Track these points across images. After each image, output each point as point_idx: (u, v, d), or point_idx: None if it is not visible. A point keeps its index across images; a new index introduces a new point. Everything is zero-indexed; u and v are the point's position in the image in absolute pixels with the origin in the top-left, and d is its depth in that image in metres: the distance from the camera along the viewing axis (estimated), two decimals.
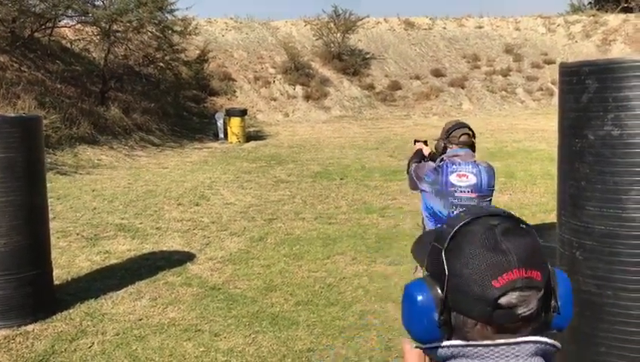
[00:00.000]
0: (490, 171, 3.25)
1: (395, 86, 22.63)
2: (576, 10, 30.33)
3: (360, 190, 9.56)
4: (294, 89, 20.97)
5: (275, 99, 20.41)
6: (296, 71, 21.24)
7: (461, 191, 3.16)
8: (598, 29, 26.33)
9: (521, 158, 12.41)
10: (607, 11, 28.16)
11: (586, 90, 2.39)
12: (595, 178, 2.40)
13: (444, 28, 26.10)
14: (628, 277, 2.37)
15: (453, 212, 3.14)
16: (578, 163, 2.47)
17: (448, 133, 3.31)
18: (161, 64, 16.28)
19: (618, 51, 24.13)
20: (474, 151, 3.31)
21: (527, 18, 27.01)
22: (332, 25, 22.56)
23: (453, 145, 3.28)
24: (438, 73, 23.57)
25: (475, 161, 3.25)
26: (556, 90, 5.13)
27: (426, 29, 25.83)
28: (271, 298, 5.09)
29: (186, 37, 16.49)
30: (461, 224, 1.02)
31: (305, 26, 23.88)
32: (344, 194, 9.28)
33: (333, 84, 21.82)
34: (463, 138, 3.25)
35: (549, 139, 13.67)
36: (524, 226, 1.02)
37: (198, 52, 18.49)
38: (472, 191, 3.15)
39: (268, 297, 5.11)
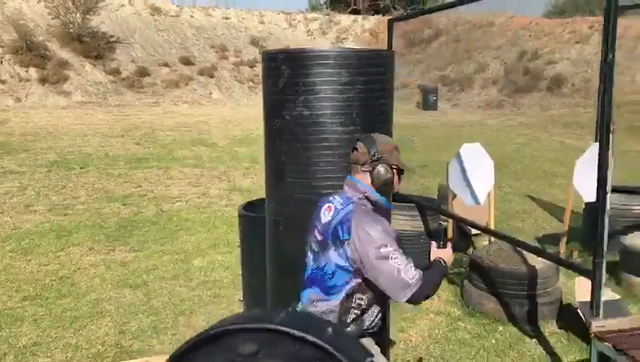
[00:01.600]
0: (348, 219, 2.17)
1: (143, 72, 21.98)
2: (314, 8, 32.88)
3: (102, 179, 9.16)
4: (27, 71, 19.02)
5: (3, 82, 18.25)
6: (30, 51, 19.29)
7: (317, 230, 2.31)
8: (332, 28, 28.97)
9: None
10: (339, 12, 31.12)
11: (282, 75, 2.71)
12: (292, 153, 2.75)
13: (192, 16, 26.12)
14: None
15: (307, 254, 2.39)
16: (278, 140, 2.79)
17: None
18: None
19: None
20: (375, 180, 2.26)
21: (271, 13, 28.43)
22: (70, 4, 20.94)
23: None
24: (187, 61, 23.52)
25: (352, 197, 2.27)
26: None
27: (173, 16, 25.53)
28: None
29: None
30: (190, 344, 0.63)
31: (38, 2, 21.75)
32: (84, 183, 8.80)
33: (73, 68, 20.32)
34: (352, 154, 2.33)
35: None
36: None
37: None
38: (320, 233, 2.28)
39: None
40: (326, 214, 2.28)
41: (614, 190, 6.06)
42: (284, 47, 26.57)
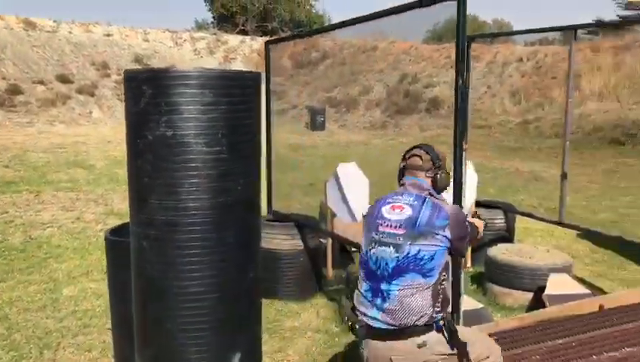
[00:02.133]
0: (439, 210, 2.49)
1: (16, 90, 20.57)
2: (200, 27, 32.53)
3: None
4: None
5: None
6: None
7: (386, 225, 2.51)
8: (220, 47, 28.78)
9: None
10: (227, 32, 31.03)
11: (143, 95, 2.64)
12: (156, 174, 2.67)
13: (70, 32, 24.90)
14: (186, 259, 2.70)
15: (370, 250, 2.54)
16: (141, 161, 2.70)
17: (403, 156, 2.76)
18: None
19: (237, 68, 26.80)
20: (439, 184, 2.65)
21: (155, 31, 27.75)
22: None
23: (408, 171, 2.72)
24: (64, 79, 22.32)
25: (421, 194, 2.59)
26: None
27: (49, 32, 24.19)
28: None
29: None
30: None
31: None
32: None
33: None
34: (411, 160, 2.70)
35: None
36: None
37: None
38: (399, 227, 2.47)
39: None
40: (398, 212, 2.51)
41: (481, 205, 6.51)
42: (170, 65, 26.03)
